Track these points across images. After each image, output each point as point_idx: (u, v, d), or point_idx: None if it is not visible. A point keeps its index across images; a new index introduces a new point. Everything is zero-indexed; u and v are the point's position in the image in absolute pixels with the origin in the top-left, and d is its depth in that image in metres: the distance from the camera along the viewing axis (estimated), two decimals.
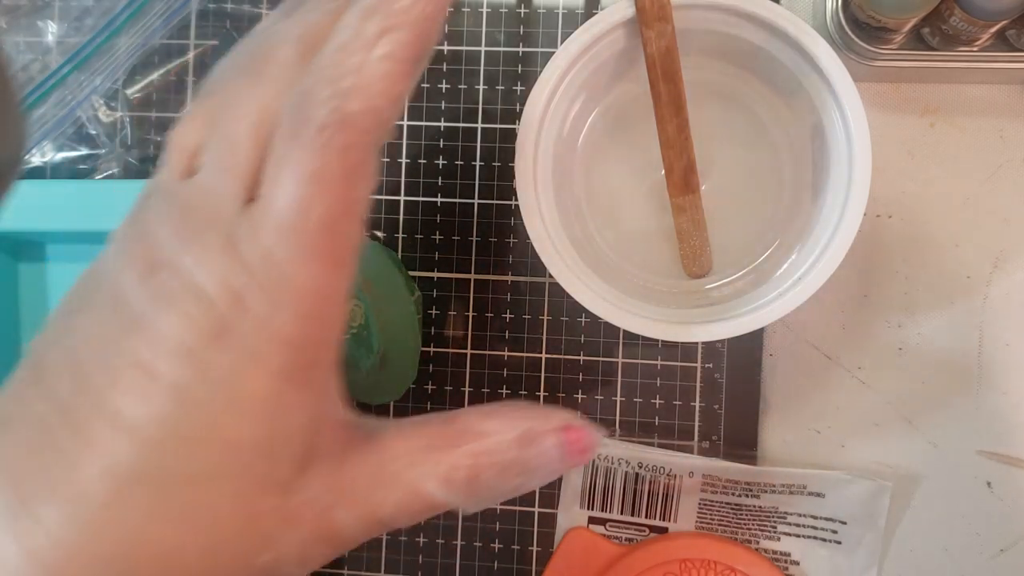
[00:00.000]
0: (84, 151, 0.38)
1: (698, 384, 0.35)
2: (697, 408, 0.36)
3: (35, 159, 0.38)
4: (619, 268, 0.31)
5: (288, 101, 0.20)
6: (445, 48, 0.37)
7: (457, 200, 0.36)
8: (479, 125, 0.36)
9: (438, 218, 0.37)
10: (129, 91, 0.38)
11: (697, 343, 0.35)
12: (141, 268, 0.20)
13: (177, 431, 0.20)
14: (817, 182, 0.29)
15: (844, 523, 0.34)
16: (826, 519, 0.35)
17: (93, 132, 0.37)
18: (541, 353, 0.36)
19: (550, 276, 0.28)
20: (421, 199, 0.37)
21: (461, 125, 0.36)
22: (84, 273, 0.22)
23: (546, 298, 0.36)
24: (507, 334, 0.36)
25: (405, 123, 0.37)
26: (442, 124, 0.37)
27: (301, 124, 0.20)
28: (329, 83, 0.20)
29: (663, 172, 0.29)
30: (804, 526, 0.35)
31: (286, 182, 0.19)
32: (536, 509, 0.36)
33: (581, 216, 0.31)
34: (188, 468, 0.20)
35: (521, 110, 0.28)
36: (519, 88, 0.36)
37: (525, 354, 0.36)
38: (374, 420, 0.23)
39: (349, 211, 0.20)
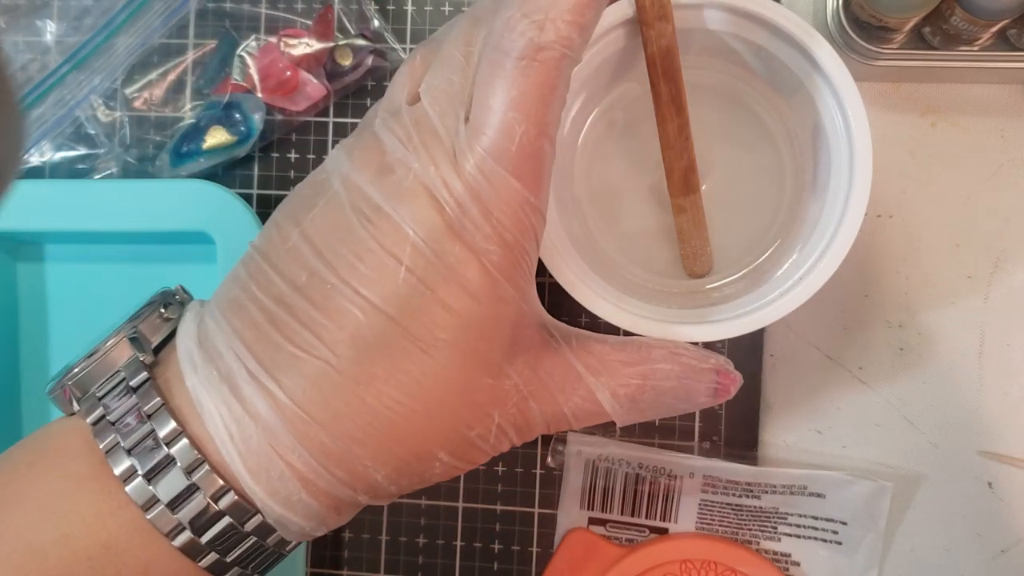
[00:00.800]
0: (83, 151, 0.38)
1: None
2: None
3: (34, 159, 0.37)
4: (619, 268, 0.31)
5: (490, 32, 0.22)
6: None
7: None
8: None
9: None
10: (128, 91, 0.38)
11: (697, 343, 0.35)
12: (373, 170, 0.23)
13: (414, 306, 0.22)
14: (818, 182, 0.29)
15: (845, 524, 0.34)
16: (827, 520, 0.35)
17: (92, 132, 0.37)
18: None
19: (550, 276, 0.28)
20: None
21: None
22: (301, 184, 0.25)
23: (546, 298, 0.36)
24: None
25: None
26: None
27: (502, 54, 0.22)
28: (525, 15, 0.22)
29: (663, 172, 0.29)
30: (805, 527, 0.35)
31: (491, 107, 0.22)
32: (536, 510, 0.36)
33: (581, 215, 0.31)
34: (423, 338, 0.22)
35: None
36: None
37: None
38: (564, 327, 0.26)
39: (543, 133, 0.22)
